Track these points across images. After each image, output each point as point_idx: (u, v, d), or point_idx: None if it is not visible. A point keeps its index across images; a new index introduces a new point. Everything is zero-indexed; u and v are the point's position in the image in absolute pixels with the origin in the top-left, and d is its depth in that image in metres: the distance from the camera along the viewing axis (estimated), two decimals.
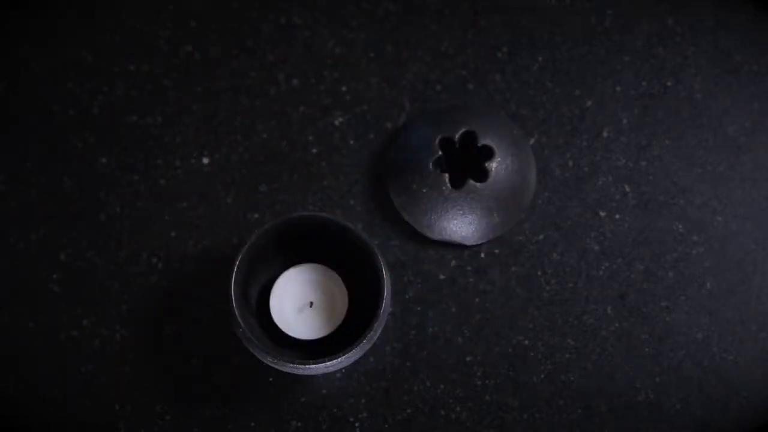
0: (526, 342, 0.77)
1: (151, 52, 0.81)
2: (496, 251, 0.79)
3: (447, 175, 0.77)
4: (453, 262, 0.78)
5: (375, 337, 0.71)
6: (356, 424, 0.76)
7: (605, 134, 0.81)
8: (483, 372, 0.77)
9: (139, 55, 0.81)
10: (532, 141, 0.80)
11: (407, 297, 0.78)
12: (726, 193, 0.79)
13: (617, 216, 0.79)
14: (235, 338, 0.75)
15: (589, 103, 0.81)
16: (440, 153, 0.78)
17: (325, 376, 0.77)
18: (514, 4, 0.82)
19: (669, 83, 0.81)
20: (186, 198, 0.79)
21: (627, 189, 0.80)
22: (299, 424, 0.76)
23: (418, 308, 0.78)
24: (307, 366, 0.69)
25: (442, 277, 0.78)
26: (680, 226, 0.79)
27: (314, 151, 0.80)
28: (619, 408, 0.76)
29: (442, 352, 0.77)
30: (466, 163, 0.78)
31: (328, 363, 0.69)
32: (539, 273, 0.78)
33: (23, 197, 0.78)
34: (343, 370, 0.77)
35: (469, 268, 0.78)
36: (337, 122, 0.81)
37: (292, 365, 0.69)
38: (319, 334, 0.73)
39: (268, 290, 0.74)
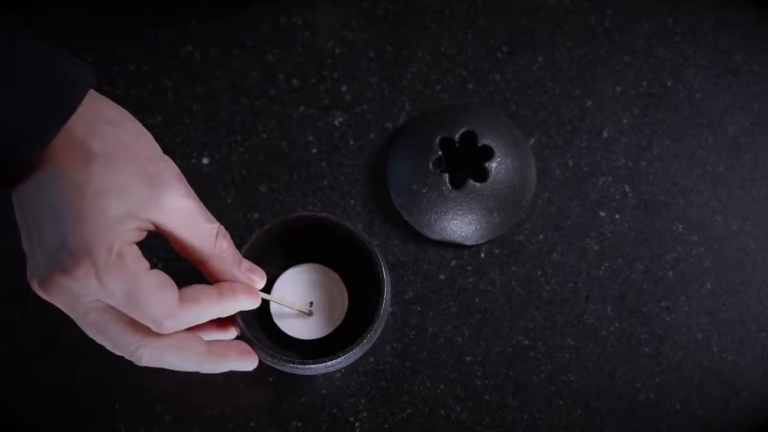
0: (526, 342, 0.77)
1: (151, 52, 0.81)
2: (496, 251, 0.79)
3: (447, 175, 0.77)
4: (453, 262, 0.78)
5: (375, 337, 0.71)
6: (356, 424, 0.76)
7: (605, 134, 0.81)
8: (483, 372, 0.77)
9: (139, 55, 0.81)
10: (532, 141, 0.80)
11: (407, 297, 0.78)
12: (726, 193, 0.80)
13: (617, 216, 0.79)
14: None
15: (589, 103, 0.81)
16: (440, 153, 0.78)
17: (325, 376, 0.76)
18: (514, 4, 0.82)
19: (669, 83, 0.81)
20: None
21: (627, 189, 0.80)
22: (299, 424, 0.76)
23: (418, 308, 0.78)
24: (307, 366, 0.69)
25: (442, 277, 0.78)
26: (680, 226, 0.79)
27: (314, 151, 0.80)
28: (619, 408, 0.76)
29: (442, 352, 0.77)
30: (466, 163, 0.78)
31: (328, 363, 0.69)
32: (539, 273, 0.78)
33: None
34: (343, 370, 0.77)
35: (469, 268, 0.78)
36: (337, 122, 0.81)
37: (292, 365, 0.69)
38: (319, 334, 0.73)
39: (268, 290, 0.74)
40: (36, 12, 0.81)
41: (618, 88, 0.81)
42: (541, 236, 0.79)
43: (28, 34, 0.59)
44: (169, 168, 0.62)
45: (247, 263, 0.67)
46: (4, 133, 0.58)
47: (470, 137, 0.78)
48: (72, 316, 0.62)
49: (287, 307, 0.72)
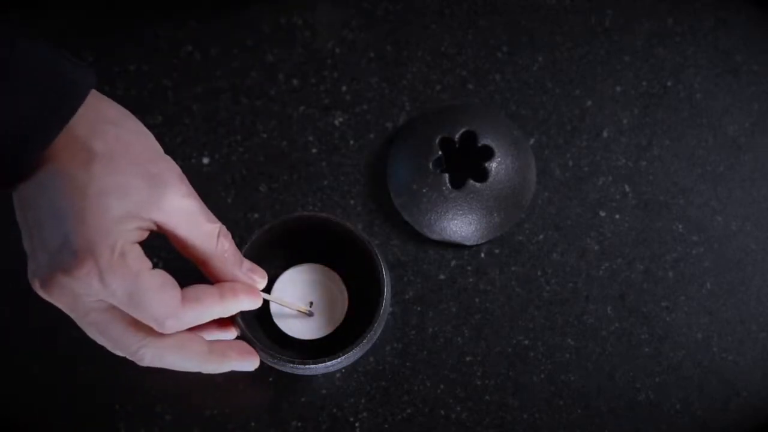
0: (526, 342, 0.77)
1: (151, 52, 0.81)
2: (496, 251, 0.79)
3: (447, 175, 0.77)
4: (453, 262, 0.78)
5: (375, 337, 0.71)
6: (356, 424, 0.76)
7: (605, 134, 0.81)
8: (483, 372, 0.77)
9: (139, 55, 0.81)
10: (532, 141, 0.80)
11: (407, 297, 0.78)
12: (726, 193, 0.80)
13: (617, 216, 0.79)
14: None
15: (589, 103, 0.81)
16: (440, 153, 0.78)
17: (325, 376, 0.76)
18: (514, 4, 0.82)
19: (669, 83, 0.81)
20: None
21: (627, 189, 0.80)
22: (299, 424, 0.76)
23: (418, 308, 0.78)
24: (307, 366, 0.69)
25: (442, 277, 0.78)
26: (680, 226, 0.79)
27: (314, 151, 0.80)
28: (619, 408, 0.76)
29: (442, 352, 0.77)
30: (466, 163, 0.78)
31: (328, 363, 0.69)
32: (539, 273, 0.78)
33: None
34: (343, 370, 0.77)
35: (469, 268, 0.78)
36: (337, 122, 0.81)
37: (292, 365, 0.69)
38: (319, 334, 0.73)
39: (268, 290, 0.74)
40: (36, 12, 0.81)
41: (618, 88, 0.81)
42: (541, 236, 0.79)
43: (28, 34, 0.59)
44: (170, 168, 0.62)
45: (248, 263, 0.67)
46: (4, 134, 0.58)
47: (470, 137, 0.78)
48: (73, 316, 0.62)
49: (288, 307, 0.72)
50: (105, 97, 0.62)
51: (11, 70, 0.57)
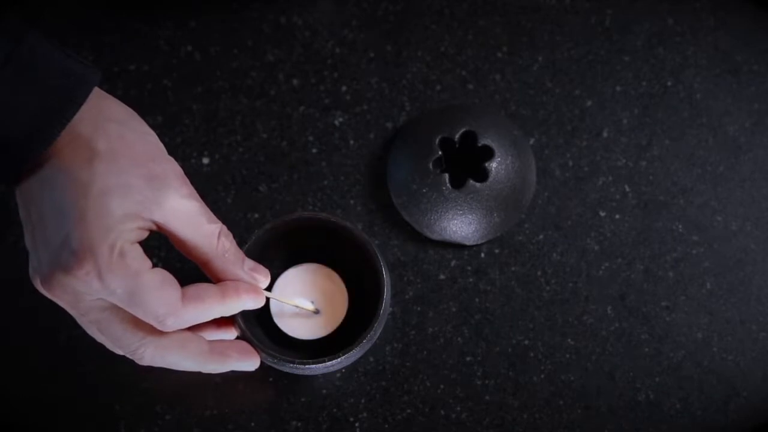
0: (526, 342, 0.77)
1: (151, 52, 0.81)
2: (496, 251, 0.79)
3: (447, 175, 0.77)
4: (453, 262, 0.78)
5: (375, 337, 0.71)
6: (356, 424, 0.76)
7: (605, 134, 0.81)
8: (483, 372, 0.77)
9: (139, 55, 0.81)
10: (532, 141, 0.80)
11: (407, 297, 0.78)
12: (726, 193, 0.80)
13: (617, 216, 0.79)
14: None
15: (589, 103, 0.81)
16: (440, 153, 0.78)
17: (325, 376, 0.76)
18: (514, 4, 0.82)
19: (669, 83, 0.81)
20: None
21: (627, 189, 0.80)
22: (299, 424, 0.76)
23: (418, 308, 0.78)
24: (307, 366, 0.69)
25: (442, 277, 0.78)
26: (680, 226, 0.79)
27: (314, 151, 0.80)
28: (619, 408, 0.76)
29: (442, 352, 0.77)
30: (466, 163, 0.78)
31: (328, 363, 0.69)
32: (539, 273, 0.78)
33: None
34: (343, 370, 0.77)
35: (469, 268, 0.78)
36: (337, 122, 0.81)
37: (292, 365, 0.69)
38: (319, 334, 0.73)
39: (268, 290, 0.74)
40: (36, 12, 0.82)
41: (618, 88, 0.81)
42: (541, 236, 0.79)
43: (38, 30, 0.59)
44: (172, 169, 0.62)
45: (250, 262, 0.67)
46: (7, 129, 0.58)
47: (470, 137, 0.78)
48: (73, 314, 0.62)
49: (294, 306, 0.72)
50: (110, 96, 0.62)
51: (15, 66, 0.57)
